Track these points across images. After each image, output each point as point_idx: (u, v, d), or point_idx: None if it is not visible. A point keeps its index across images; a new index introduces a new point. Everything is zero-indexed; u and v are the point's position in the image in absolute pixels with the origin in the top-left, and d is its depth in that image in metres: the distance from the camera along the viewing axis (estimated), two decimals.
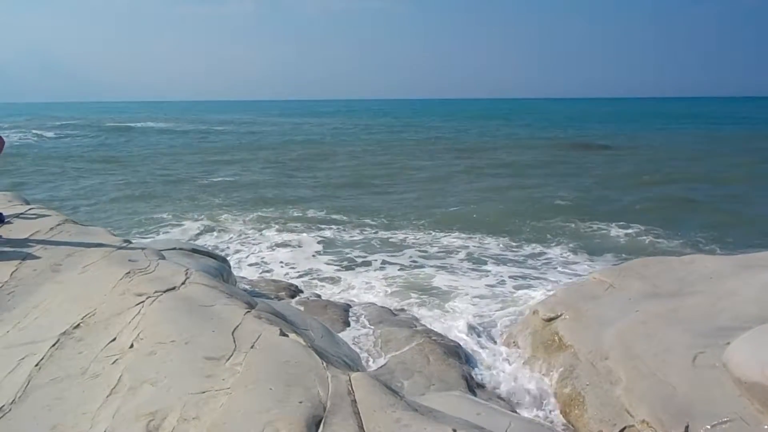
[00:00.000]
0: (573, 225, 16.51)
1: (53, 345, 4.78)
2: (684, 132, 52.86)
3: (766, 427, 4.38)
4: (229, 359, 4.35)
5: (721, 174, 25.60)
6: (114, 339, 4.82)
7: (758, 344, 4.61)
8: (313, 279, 11.84)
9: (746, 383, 4.53)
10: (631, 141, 43.40)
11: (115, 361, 4.46)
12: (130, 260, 6.86)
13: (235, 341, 4.65)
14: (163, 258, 7.27)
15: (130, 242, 8.19)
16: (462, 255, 13.60)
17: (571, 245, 14.32)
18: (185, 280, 6.14)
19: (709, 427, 4.55)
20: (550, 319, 7.50)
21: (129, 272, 6.31)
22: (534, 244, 14.50)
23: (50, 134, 55.58)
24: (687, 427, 4.61)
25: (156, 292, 5.69)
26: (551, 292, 9.62)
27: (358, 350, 7.44)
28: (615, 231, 15.90)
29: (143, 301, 5.47)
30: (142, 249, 7.53)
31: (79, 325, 5.12)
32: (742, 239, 14.62)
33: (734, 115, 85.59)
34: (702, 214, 17.86)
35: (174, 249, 8.56)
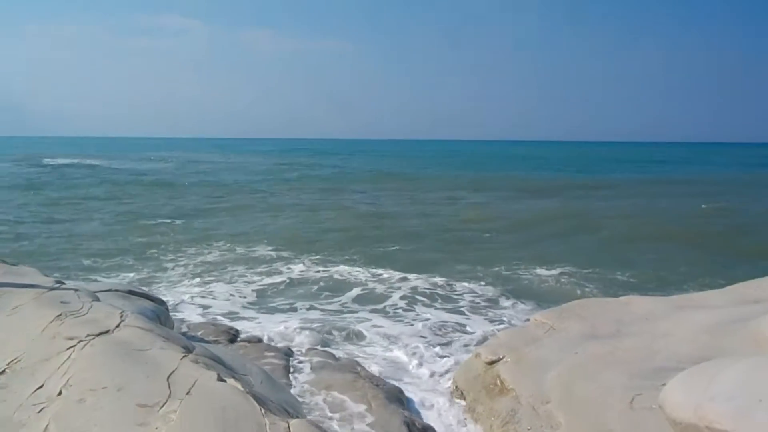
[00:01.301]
0: (502, 267, 16.66)
1: None
2: (624, 177, 54.25)
3: None
4: (163, 406, 4.22)
5: (644, 220, 26.19)
6: (41, 386, 4.63)
7: (691, 385, 4.68)
8: (252, 322, 11.63)
9: (681, 424, 4.59)
10: (564, 185, 44.35)
11: (41, 410, 4.29)
12: (62, 302, 6.65)
13: (170, 387, 4.52)
14: (98, 300, 7.07)
15: (63, 283, 7.94)
16: (397, 297, 13.59)
17: (503, 287, 14.43)
18: (120, 323, 5.97)
19: None
20: (492, 363, 7.51)
21: (60, 314, 6.11)
22: (467, 286, 14.57)
23: None
24: None
25: (88, 335, 5.52)
26: (493, 335, 9.67)
27: (298, 396, 7.32)
28: (542, 273, 16.10)
29: (74, 345, 5.29)
30: (75, 290, 7.31)
31: (3, 371, 4.91)
32: (665, 280, 15.15)
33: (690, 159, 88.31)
34: (622, 256, 18.30)
35: (109, 290, 8.34)
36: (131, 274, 15.63)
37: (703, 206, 28.52)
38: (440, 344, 10.25)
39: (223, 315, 12.06)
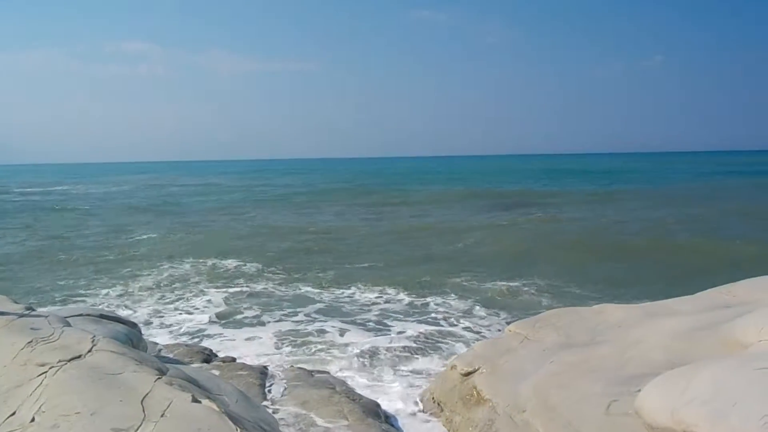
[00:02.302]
0: (467, 280, 16.73)
1: None
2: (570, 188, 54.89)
3: None
4: (138, 430, 4.17)
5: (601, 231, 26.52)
6: (14, 413, 4.55)
7: (666, 390, 4.73)
8: (225, 340, 11.55)
9: (657, 429, 4.63)
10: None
11: None
12: (32, 328, 6.53)
13: (144, 410, 4.47)
14: (69, 325, 6.96)
15: (33, 309, 7.81)
16: (368, 310, 13.60)
17: (475, 300, 14.47)
18: (92, 348, 5.88)
19: None
20: (468, 374, 7.53)
21: (31, 341, 6.01)
22: (435, 297, 14.66)
23: None
24: None
25: (60, 361, 5.43)
26: (468, 347, 9.69)
27: (275, 414, 7.26)
28: (509, 285, 16.15)
29: (46, 372, 5.20)
30: (46, 316, 7.20)
31: None
32: (635, 289, 15.29)
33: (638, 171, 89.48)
34: (585, 264, 18.52)
35: (80, 315, 8.22)
36: (101, 298, 15.43)
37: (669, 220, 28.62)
38: (415, 356, 10.26)
39: (195, 334, 11.98)
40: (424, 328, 12.15)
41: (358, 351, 10.57)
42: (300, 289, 15.93)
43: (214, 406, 4.75)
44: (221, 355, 10.15)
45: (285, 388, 8.24)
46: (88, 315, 8.33)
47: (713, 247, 20.70)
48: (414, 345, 10.97)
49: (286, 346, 11.08)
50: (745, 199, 37.32)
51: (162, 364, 6.26)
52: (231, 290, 16.05)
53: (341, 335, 11.68)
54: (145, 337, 9.61)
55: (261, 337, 11.65)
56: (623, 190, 50.11)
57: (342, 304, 14.39)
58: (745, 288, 8.20)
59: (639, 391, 5.18)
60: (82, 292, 16.24)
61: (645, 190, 49.11)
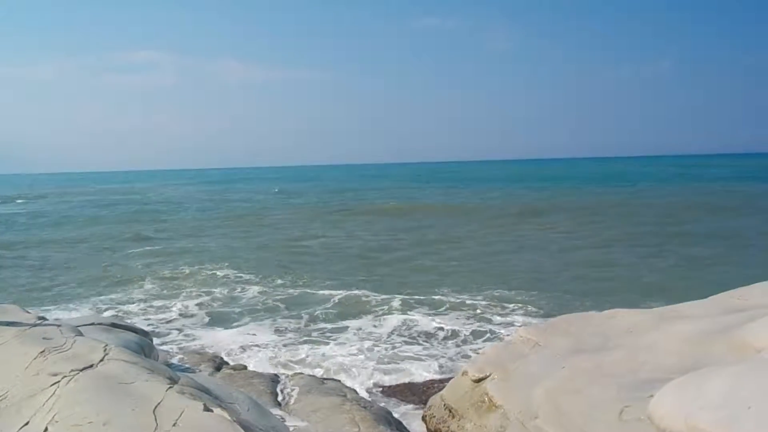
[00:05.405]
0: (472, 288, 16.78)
1: None
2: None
3: None
4: None
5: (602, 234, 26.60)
6: (27, 423, 4.57)
7: (680, 395, 4.69)
8: (238, 349, 11.56)
9: None
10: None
11: None
12: (44, 338, 6.56)
13: (156, 419, 4.47)
14: (81, 334, 6.98)
15: (45, 319, 7.86)
16: (373, 317, 13.62)
17: (484, 304, 14.49)
18: (104, 357, 5.90)
19: None
20: (479, 380, 7.49)
21: (43, 351, 6.03)
22: (448, 303, 14.66)
23: None
24: None
25: (72, 371, 5.44)
26: (479, 352, 9.67)
27: (286, 421, 7.26)
28: (508, 293, 16.17)
29: (58, 381, 5.21)
30: (58, 326, 7.23)
31: None
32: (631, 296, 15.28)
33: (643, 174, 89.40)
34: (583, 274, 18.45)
35: (92, 324, 8.26)
36: (117, 305, 15.47)
37: None
38: (425, 362, 10.26)
39: (206, 342, 12.01)
40: (436, 333, 12.15)
41: (368, 358, 10.58)
42: (301, 295, 16.01)
43: (226, 415, 4.75)
44: (233, 362, 10.17)
45: (296, 396, 8.24)
46: (100, 324, 8.36)
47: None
48: (423, 350, 10.97)
49: (295, 354, 11.08)
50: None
51: (173, 372, 6.27)
52: (230, 295, 16.11)
53: (348, 342, 11.69)
54: (156, 345, 9.64)
55: (269, 344, 11.68)
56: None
57: (348, 308, 14.44)
58: (758, 292, 8.15)
59: (652, 396, 5.15)
60: (88, 295, 16.39)
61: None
